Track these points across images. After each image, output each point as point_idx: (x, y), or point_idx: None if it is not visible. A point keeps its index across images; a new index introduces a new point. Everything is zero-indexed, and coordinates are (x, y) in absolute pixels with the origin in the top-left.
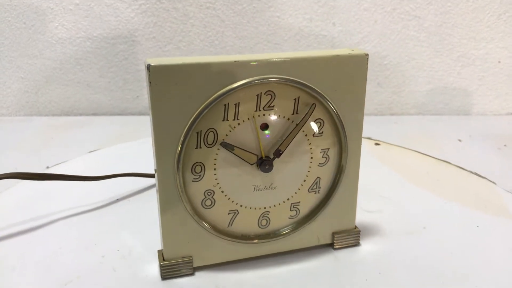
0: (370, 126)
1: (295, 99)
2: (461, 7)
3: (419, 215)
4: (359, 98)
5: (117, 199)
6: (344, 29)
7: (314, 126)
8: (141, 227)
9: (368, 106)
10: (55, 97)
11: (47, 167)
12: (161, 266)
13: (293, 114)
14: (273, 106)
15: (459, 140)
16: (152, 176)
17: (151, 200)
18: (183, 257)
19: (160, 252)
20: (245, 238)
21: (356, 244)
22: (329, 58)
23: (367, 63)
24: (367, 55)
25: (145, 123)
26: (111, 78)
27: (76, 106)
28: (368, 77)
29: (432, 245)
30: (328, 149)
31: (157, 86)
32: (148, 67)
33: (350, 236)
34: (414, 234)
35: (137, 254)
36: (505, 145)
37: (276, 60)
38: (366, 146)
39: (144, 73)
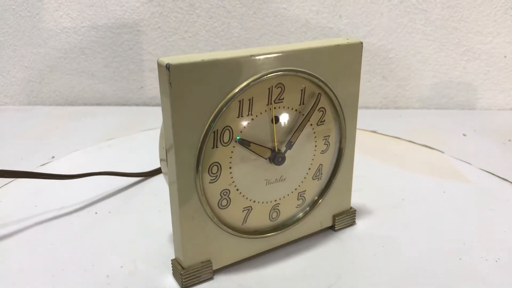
0: (374, 119)
1: (301, 90)
2: (468, 1)
3: (395, 189)
4: (355, 84)
5: (96, 212)
6: (350, 22)
7: (318, 115)
8: (133, 238)
9: (373, 99)
10: (59, 87)
11: (53, 157)
12: (182, 276)
13: (300, 105)
14: (283, 98)
15: (464, 135)
16: (134, 175)
17: (132, 206)
18: (202, 262)
19: (175, 261)
20: (258, 233)
21: (353, 223)
22: (331, 48)
23: (362, 51)
24: (362, 43)
25: (149, 114)
26: (115, 68)
27: (80, 96)
28: (373, 70)
29: (415, 213)
30: (329, 136)
31: (178, 87)
32: (168, 66)
33: (348, 217)
34: (396, 207)
35: (144, 267)
36: (509, 140)
37: (287, 52)
38: None
39: (148, 64)
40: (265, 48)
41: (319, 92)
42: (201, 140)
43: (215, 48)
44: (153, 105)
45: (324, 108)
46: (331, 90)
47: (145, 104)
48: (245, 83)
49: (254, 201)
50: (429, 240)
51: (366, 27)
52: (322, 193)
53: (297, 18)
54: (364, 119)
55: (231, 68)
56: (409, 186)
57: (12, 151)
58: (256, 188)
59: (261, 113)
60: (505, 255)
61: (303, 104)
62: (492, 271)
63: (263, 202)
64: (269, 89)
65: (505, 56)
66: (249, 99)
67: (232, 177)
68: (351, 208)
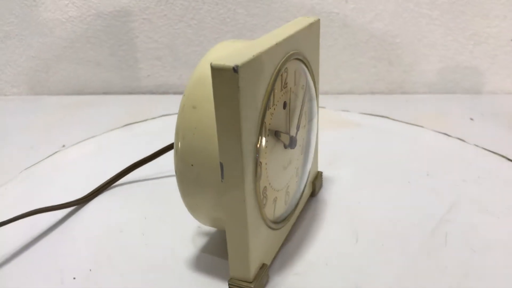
0: (380, 104)
1: (295, 71)
2: None
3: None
4: (317, 56)
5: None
6: (356, 7)
7: (304, 93)
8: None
9: (379, 85)
10: (66, 76)
11: (63, 146)
12: None
13: (294, 85)
14: (287, 83)
15: (471, 119)
16: (69, 205)
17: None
18: (260, 269)
19: (236, 281)
20: (281, 220)
21: (321, 185)
22: (309, 26)
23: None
24: (319, 19)
25: (156, 102)
26: (121, 57)
27: (87, 85)
28: (379, 56)
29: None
30: (309, 111)
31: (244, 90)
32: (236, 69)
33: (319, 179)
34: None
35: None
36: None
37: (290, 36)
38: None
39: (154, 52)
40: (273, 34)
41: (305, 71)
42: (257, 141)
43: (221, 35)
44: (160, 93)
45: (304, 84)
46: (309, 65)
47: (152, 92)
48: (275, 72)
49: (278, 190)
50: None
51: (372, 12)
52: (306, 163)
53: (302, 3)
54: (372, 104)
55: (266, 59)
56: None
57: (21, 141)
58: (278, 176)
59: (278, 101)
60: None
61: (295, 84)
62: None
63: (282, 189)
64: (281, 75)
65: (511, 40)
66: (273, 88)
67: (266, 173)
68: (318, 171)
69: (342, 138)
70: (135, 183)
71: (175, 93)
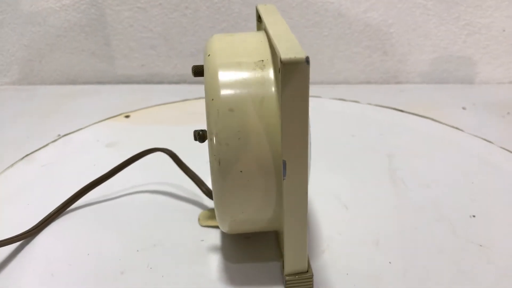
0: (375, 94)
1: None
2: None
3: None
4: None
5: None
6: None
7: None
8: None
9: (374, 74)
10: (60, 66)
11: (59, 135)
12: (312, 278)
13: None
14: None
15: (463, 108)
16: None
17: None
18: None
19: (293, 276)
20: None
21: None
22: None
23: None
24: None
25: (151, 91)
26: (116, 46)
27: (81, 74)
28: (374, 45)
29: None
30: None
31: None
32: (308, 60)
33: None
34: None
35: None
36: (508, 113)
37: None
38: None
39: (149, 41)
40: (272, 25)
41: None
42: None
43: (216, 24)
44: (155, 83)
45: None
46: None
47: (146, 82)
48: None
49: None
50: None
51: (367, 1)
52: None
53: None
54: (366, 94)
55: None
56: None
57: (17, 131)
58: None
59: None
60: (482, 213)
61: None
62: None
63: None
64: None
65: (504, 30)
66: None
67: None
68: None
69: (339, 127)
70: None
71: (170, 82)
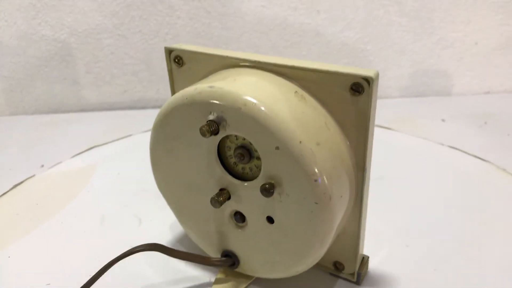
0: None
1: None
2: None
3: None
4: None
5: None
6: (328, 16)
7: None
8: None
9: None
10: (41, 95)
11: (42, 166)
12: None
13: None
14: None
15: (443, 120)
16: None
17: None
18: None
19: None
20: None
21: None
22: None
23: None
24: None
25: (134, 117)
26: (97, 74)
27: (64, 103)
28: (352, 62)
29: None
30: None
31: None
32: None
33: None
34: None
35: None
36: (485, 123)
37: None
38: None
39: (130, 68)
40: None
41: None
42: None
43: None
44: (138, 108)
45: None
46: None
47: (130, 107)
48: None
49: None
50: None
51: (344, 21)
52: None
53: (276, 15)
54: None
55: None
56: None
57: (1, 161)
58: None
59: None
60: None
61: None
62: None
63: None
64: None
65: (476, 43)
66: None
67: None
68: None
69: None
70: None
71: (153, 107)
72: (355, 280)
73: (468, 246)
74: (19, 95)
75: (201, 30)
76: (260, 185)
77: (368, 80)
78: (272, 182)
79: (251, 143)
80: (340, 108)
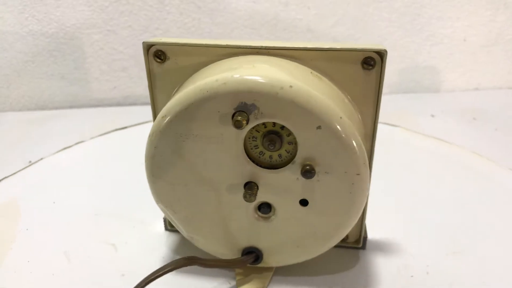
0: None
1: None
2: None
3: None
4: None
5: None
6: (319, 13)
7: None
8: None
9: None
10: (28, 91)
11: (30, 162)
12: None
13: None
14: None
15: (432, 116)
16: None
17: None
18: None
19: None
20: None
21: None
22: None
23: None
24: None
25: (123, 114)
26: (86, 70)
27: (51, 99)
28: None
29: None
30: None
31: None
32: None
33: None
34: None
35: None
36: (474, 118)
37: None
38: None
39: (120, 63)
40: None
41: None
42: None
43: None
44: (127, 105)
45: None
46: None
47: (119, 104)
48: None
49: None
50: None
51: (334, 17)
52: None
53: (266, 11)
54: None
55: None
56: None
57: None
58: None
59: None
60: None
61: None
62: None
63: None
64: None
65: (464, 40)
66: None
67: None
68: None
69: None
70: None
71: (142, 103)
72: (361, 245)
73: (459, 239)
74: (5, 91)
75: (191, 26)
76: (296, 169)
77: (381, 53)
78: (310, 163)
79: (282, 128)
80: (352, 84)
